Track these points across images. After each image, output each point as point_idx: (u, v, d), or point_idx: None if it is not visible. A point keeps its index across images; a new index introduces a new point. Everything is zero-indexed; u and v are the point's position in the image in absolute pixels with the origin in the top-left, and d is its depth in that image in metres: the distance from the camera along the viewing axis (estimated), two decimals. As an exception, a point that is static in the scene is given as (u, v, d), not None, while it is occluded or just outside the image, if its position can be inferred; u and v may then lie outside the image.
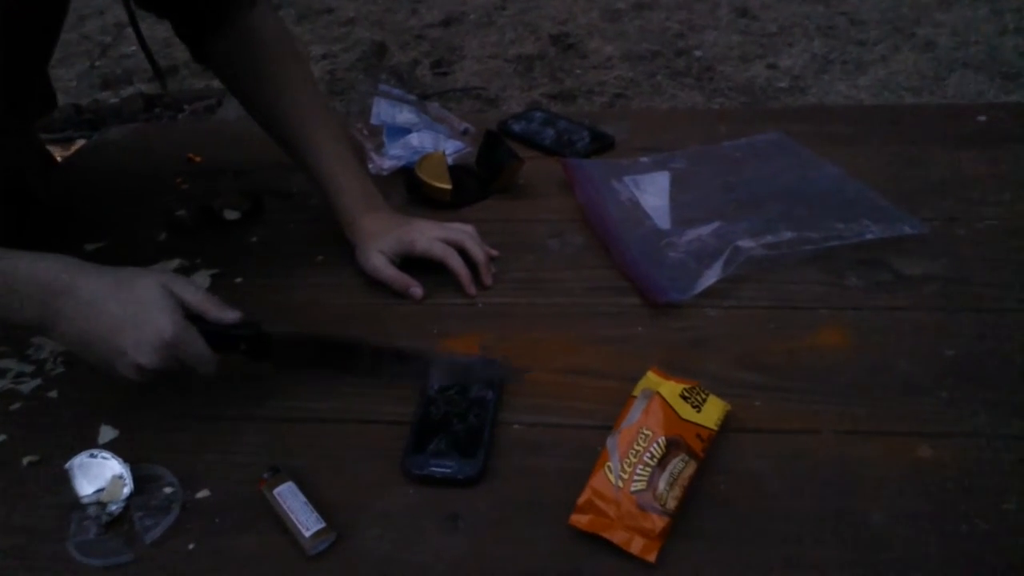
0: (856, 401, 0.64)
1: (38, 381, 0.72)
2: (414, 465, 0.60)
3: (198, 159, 1.08)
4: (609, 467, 0.56)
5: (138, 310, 0.60)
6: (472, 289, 0.78)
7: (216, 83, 2.83)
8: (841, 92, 2.54)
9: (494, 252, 0.83)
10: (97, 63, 3.18)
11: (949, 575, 0.52)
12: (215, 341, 0.63)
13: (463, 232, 0.81)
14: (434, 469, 0.60)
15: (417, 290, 0.78)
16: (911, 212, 0.83)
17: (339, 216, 0.83)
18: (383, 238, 0.80)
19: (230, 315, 0.64)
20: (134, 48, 2.85)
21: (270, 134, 0.86)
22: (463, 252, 0.80)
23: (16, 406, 0.70)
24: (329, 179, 0.82)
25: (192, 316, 0.62)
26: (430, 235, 0.80)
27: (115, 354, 0.60)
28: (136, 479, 0.60)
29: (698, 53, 2.83)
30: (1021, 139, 0.96)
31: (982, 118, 1.01)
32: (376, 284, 0.80)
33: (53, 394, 0.71)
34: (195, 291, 0.64)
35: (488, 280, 0.80)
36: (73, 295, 0.60)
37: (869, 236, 0.80)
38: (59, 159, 1.13)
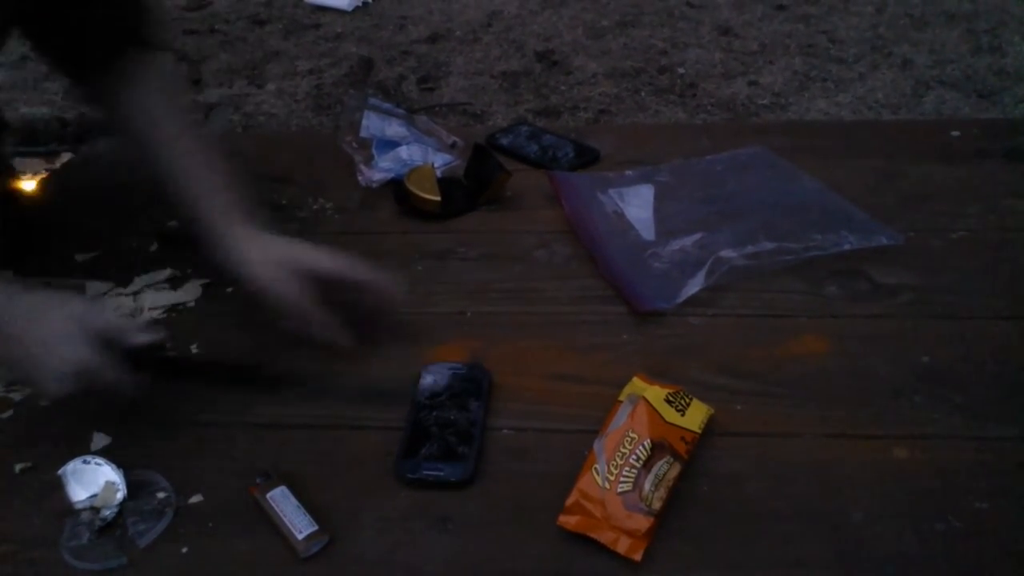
0: (835, 405, 0.66)
1: (30, 390, 0.72)
2: (407, 469, 0.62)
3: (188, 171, 1.09)
4: (596, 469, 0.57)
5: (47, 341, 0.61)
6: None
7: (202, 98, 2.82)
8: (821, 109, 2.58)
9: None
10: (83, 77, 3.17)
11: (925, 571, 0.54)
12: (134, 364, 0.63)
13: (340, 257, 0.71)
14: (427, 473, 0.61)
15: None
16: (887, 224, 0.85)
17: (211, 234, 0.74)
18: (265, 250, 0.72)
19: (142, 338, 0.64)
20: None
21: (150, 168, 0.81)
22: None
23: (8, 414, 0.70)
24: (193, 198, 0.75)
25: (111, 341, 0.62)
26: (308, 250, 0.72)
27: (29, 381, 0.62)
28: (129, 485, 0.61)
29: (681, 70, 2.87)
30: (993, 154, 0.99)
31: (955, 134, 1.05)
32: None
33: (45, 402, 0.71)
34: (108, 318, 0.64)
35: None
36: None
37: (847, 247, 0.82)
38: (45, 172, 1.13)
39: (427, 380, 0.69)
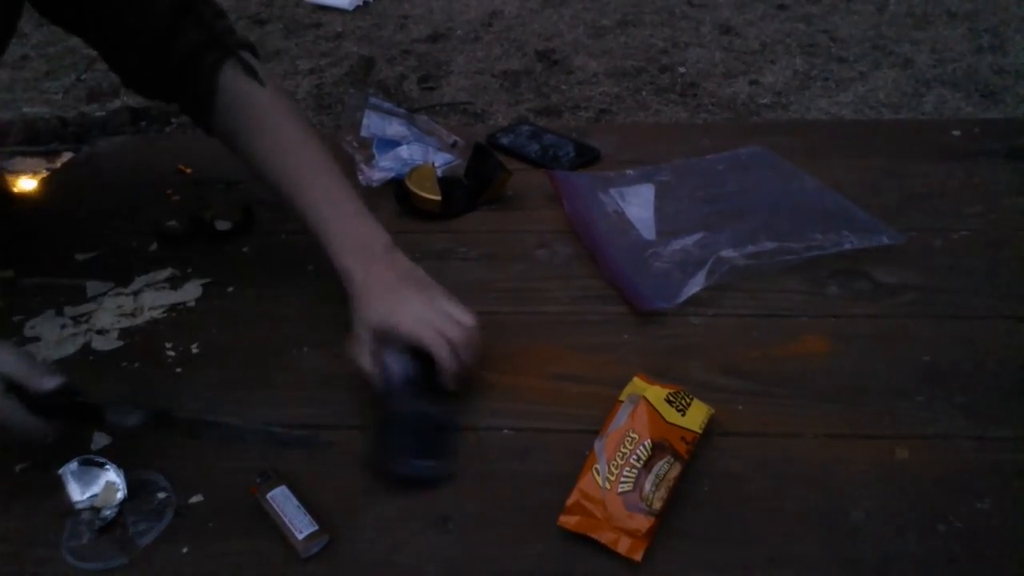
0: (836, 405, 0.66)
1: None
2: (397, 466, 0.62)
3: (189, 171, 1.09)
4: (596, 469, 0.57)
5: None
6: (453, 385, 0.67)
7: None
8: (822, 108, 2.58)
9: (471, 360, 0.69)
10: (83, 76, 3.18)
11: (926, 572, 0.54)
12: (42, 409, 0.60)
13: (459, 328, 0.67)
14: (415, 469, 0.62)
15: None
16: (889, 223, 0.85)
17: (336, 270, 0.72)
18: (370, 307, 0.68)
19: (48, 383, 0.60)
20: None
21: (272, 189, 0.78)
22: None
23: (8, 414, 0.70)
24: (322, 230, 0.73)
25: (15, 386, 0.59)
26: (420, 316, 0.67)
27: None
28: (129, 485, 0.61)
29: (682, 69, 2.87)
30: (994, 153, 0.99)
31: (957, 133, 1.04)
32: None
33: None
34: (15, 361, 0.60)
35: (455, 386, 0.68)
36: None
37: (848, 246, 0.82)
38: (45, 172, 1.14)
39: (394, 367, 0.67)
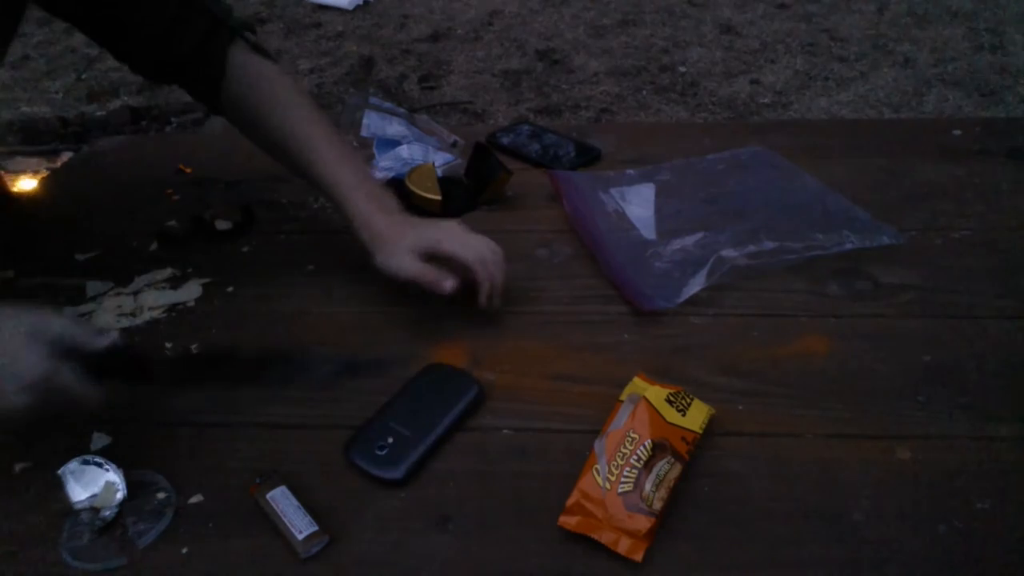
0: (836, 405, 0.66)
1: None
2: (353, 453, 0.63)
3: (189, 170, 1.09)
4: (597, 469, 0.57)
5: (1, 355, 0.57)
6: (486, 302, 0.75)
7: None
8: (822, 108, 2.58)
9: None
10: (83, 75, 3.18)
11: (927, 572, 0.54)
12: (95, 370, 0.60)
13: (490, 250, 0.75)
14: (361, 463, 0.63)
15: (449, 283, 0.73)
16: (889, 223, 0.85)
17: (352, 219, 0.77)
18: (405, 236, 0.75)
19: (101, 341, 0.61)
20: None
21: (275, 156, 0.85)
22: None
23: (8, 414, 0.70)
24: (336, 183, 0.78)
25: (68, 349, 0.59)
26: (459, 238, 0.75)
27: None
28: (129, 485, 0.61)
29: (682, 69, 2.87)
30: (994, 152, 0.99)
31: (957, 132, 1.04)
32: (363, 293, 0.81)
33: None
34: (63, 324, 0.60)
35: (496, 303, 0.76)
36: None
37: (848, 246, 0.82)
38: (45, 172, 1.14)
39: (420, 378, 0.69)
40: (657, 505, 0.56)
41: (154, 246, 0.93)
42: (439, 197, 0.92)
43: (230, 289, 0.85)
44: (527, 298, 0.81)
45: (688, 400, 0.63)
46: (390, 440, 0.63)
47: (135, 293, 0.84)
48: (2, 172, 1.08)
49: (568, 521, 0.56)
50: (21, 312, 0.60)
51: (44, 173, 1.09)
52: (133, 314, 0.81)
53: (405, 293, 0.77)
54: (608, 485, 0.56)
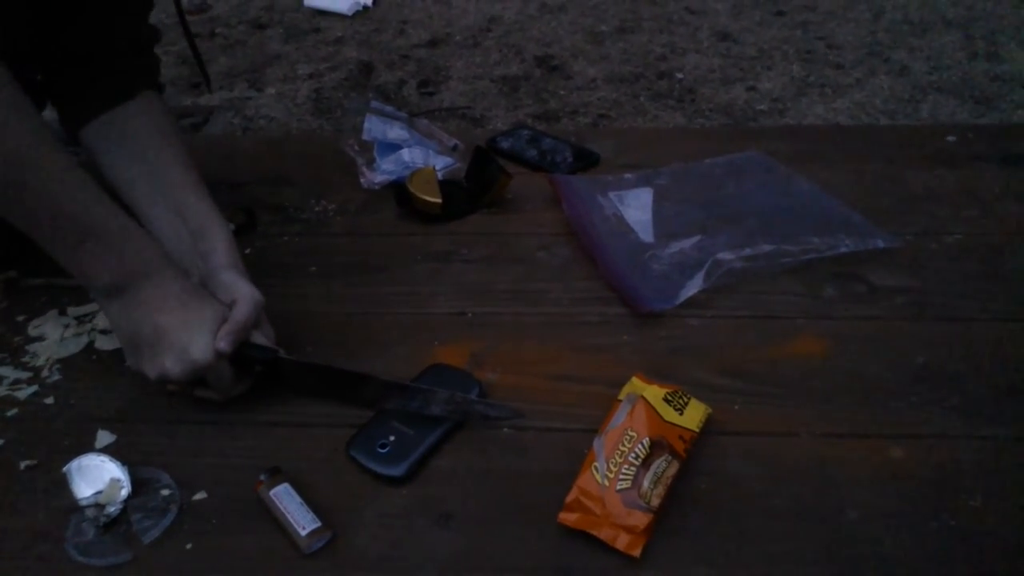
0: (832, 405, 0.67)
1: (35, 388, 0.73)
2: (355, 449, 0.64)
3: (191, 173, 1.09)
4: (596, 467, 0.58)
5: (191, 325, 0.64)
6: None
7: (203, 100, 2.83)
8: (819, 114, 2.60)
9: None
10: (83, 80, 3.18)
11: (920, 569, 0.55)
12: (237, 360, 0.67)
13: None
14: (361, 459, 0.64)
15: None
16: (884, 227, 0.86)
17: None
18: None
19: (259, 340, 0.69)
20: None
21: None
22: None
23: (13, 412, 0.71)
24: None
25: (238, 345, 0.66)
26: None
27: (150, 352, 0.65)
28: (134, 481, 0.61)
29: (680, 75, 2.89)
30: (988, 158, 1.00)
31: (951, 138, 1.06)
32: (364, 295, 0.82)
33: (49, 400, 0.72)
34: (215, 315, 0.66)
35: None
36: (148, 283, 0.65)
37: (844, 250, 0.83)
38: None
39: (424, 379, 0.70)
40: (655, 502, 0.56)
41: (157, 247, 0.93)
42: (440, 200, 0.93)
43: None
44: (527, 300, 0.82)
45: (685, 399, 0.64)
46: (392, 438, 0.64)
47: (138, 294, 0.85)
48: None
49: (568, 518, 0.57)
50: (207, 307, 0.66)
51: None
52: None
53: (405, 293, 0.77)
54: (607, 482, 0.57)
